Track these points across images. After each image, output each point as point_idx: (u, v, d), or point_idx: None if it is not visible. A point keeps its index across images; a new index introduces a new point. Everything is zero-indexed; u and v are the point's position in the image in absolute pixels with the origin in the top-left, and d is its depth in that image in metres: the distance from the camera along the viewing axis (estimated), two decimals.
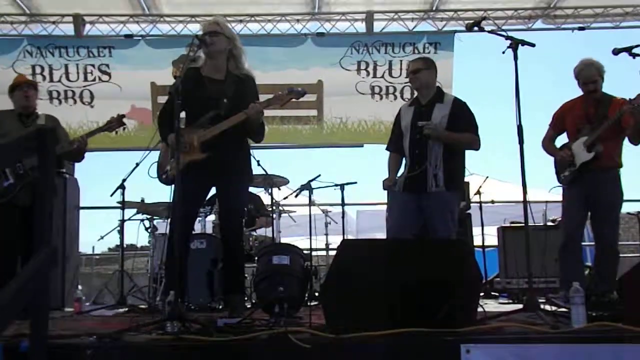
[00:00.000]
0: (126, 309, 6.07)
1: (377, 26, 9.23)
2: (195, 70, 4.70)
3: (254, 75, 4.84)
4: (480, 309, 3.73)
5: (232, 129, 4.48)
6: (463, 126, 5.15)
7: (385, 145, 5.61)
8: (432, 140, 5.08)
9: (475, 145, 5.23)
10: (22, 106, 5.51)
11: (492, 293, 7.44)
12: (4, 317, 2.05)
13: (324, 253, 8.49)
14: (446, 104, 5.20)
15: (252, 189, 7.21)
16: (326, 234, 7.87)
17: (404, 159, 5.34)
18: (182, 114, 4.58)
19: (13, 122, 5.42)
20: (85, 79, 9.11)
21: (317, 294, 5.90)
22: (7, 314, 2.07)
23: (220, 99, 4.57)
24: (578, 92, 5.63)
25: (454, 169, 5.14)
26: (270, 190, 7.18)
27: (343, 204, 7.29)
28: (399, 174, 5.37)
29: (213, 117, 4.53)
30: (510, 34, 4.52)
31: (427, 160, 5.06)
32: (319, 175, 7.05)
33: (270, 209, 7.23)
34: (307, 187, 7.07)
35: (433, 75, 5.32)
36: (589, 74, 5.44)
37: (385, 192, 5.59)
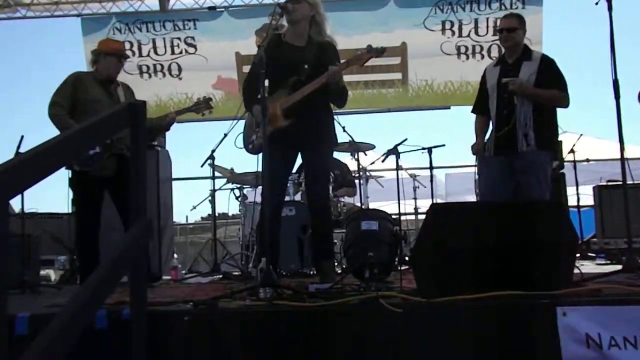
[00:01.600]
0: (220, 276, 6.25)
1: None
2: (278, 36, 4.71)
3: (335, 42, 4.81)
4: (576, 271, 3.63)
5: (314, 95, 4.46)
6: (551, 83, 4.98)
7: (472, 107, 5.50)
8: (519, 98, 4.94)
9: (564, 102, 5.06)
10: (110, 74, 5.39)
11: (589, 254, 7.25)
12: (106, 286, 2.15)
13: (413, 217, 8.46)
14: (534, 62, 5.04)
15: (338, 155, 7.25)
16: (415, 198, 7.85)
17: (491, 121, 5.23)
18: (266, 82, 4.63)
19: (98, 89, 5.30)
20: (173, 52, 9.34)
21: (407, 258, 5.90)
22: (109, 284, 2.16)
23: (301, 65, 4.56)
24: None
25: (545, 127, 4.99)
26: (356, 156, 7.19)
27: (431, 168, 7.21)
28: (487, 137, 5.26)
29: (294, 83, 4.54)
30: None
31: (516, 119, 4.93)
32: (406, 139, 6.96)
33: (356, 175, 7.24)
34: (393, 151, 7.01)
35: (524, 34, 5.18)
36: None
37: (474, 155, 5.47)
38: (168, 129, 5.63)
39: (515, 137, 4.94)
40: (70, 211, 7.53)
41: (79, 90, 5.24)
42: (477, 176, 5.47)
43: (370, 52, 4.47)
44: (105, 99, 5.27)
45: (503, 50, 5.36)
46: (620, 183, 4.36)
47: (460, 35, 9.00)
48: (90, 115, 4.90)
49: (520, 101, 4.94)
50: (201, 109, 5.57)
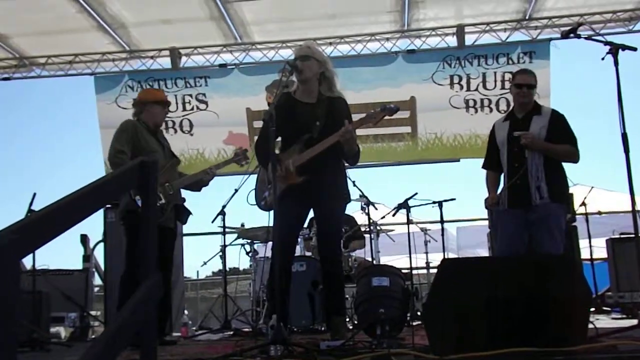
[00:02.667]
0: (231, 333, 6.20)
1: (469, 39, 9.13)
2: (288, 94, 4.77)
3: (345, 97, 4.86)
4: (591, 326, 3.58)
5: (327, 151, 4.50)
6: (561, 138, 5.01)
7: (482, 160, 5.51)
8: (529, 151, 4.96)
9: (574, 157, 5.07)
10: (157, 123, 5.50)
11: (604, 308, 7.15)
12: (117, 344, 2.13)
13: (424, 272, 8.39)
14: (544, 116, 5.07)
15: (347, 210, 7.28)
16: (426, 252, 7.79)
17: (501, 176, 5.24)
18: (278, 139, 4.68)
19: (152, 138, 5.38)
20: (184, 109, 9.47)
21: (419, 313, 5.85)
22: (120, 342, 2.15)
23: (313, 122, 4.61)
24: None
25: (557, 180, 5.00)
26: (367, 210, 7.18)
27: (442, 221, 7.20)
28: (499, 190, 5.25)
29: (306, 140, 4.58)
30: (609, 38, 4.41)
31: (528, 172, 4.94)
32: (416, 194, 7.00)
33: (367, 230, 7.23)
34: (404, 205, 7.02)
35: (535, 91, 5.23)
36: None
37: (486, 209, 5.46)
38: (207, 184, 5.61)
39: (528, 190, 4.94)
40: (81, 268, 7.58)
41: (138, 138, 5.29)
42: (489, 229, 5.42)
43: (384, 111, 4.49)
44: (160, 149, 5.36)
45: (512, 104, 5.39)
46: (633, 235, 4.32)
47: (468, 89, 9.07)
48: None
49: (531, 154, 4.96)
50: (240, 159, 5.66)
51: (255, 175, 5.13)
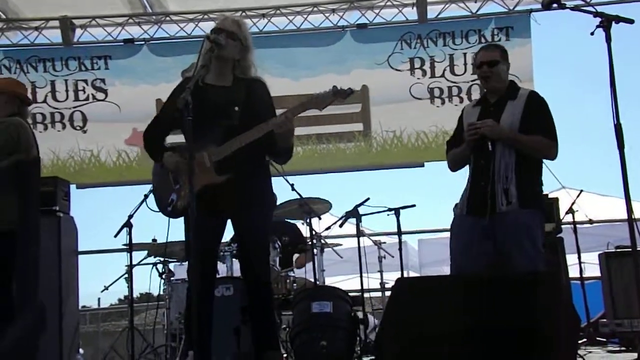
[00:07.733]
0: None
1: (432, 11, 9.21)
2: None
3: (265, 81, 4.80)
4: None
5: (249, 146, 4.43)
6: (536, 126, 4.92)
7: None
8: (498, 145, 4.89)
9: (550, 152, 4.98)
10: None
11: (598, 339, 7.22)
12: None
13: (379, 294, 8.41)
14: (519, 100, 5.03)
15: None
16: (380, 271, 7.78)
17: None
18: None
19: None
20: (76, 98, 9.27)
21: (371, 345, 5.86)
22: None
23: (230, 107, 4.54)
24: None
25: (529, 181, 4.91)
26: (308, 220, 7.11)
27: (400, 233, 7.20)
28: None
29: (226, 129, 4.50)
30: (601, 8, 4.46)
31: (495, 171, 4.90)
32: (368, 199, 6.96)
33: (309, 243, 7.19)
34: (354, 213, 6.99)
35: (507, 69, 5.22)
36: None
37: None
38: None
39: (493, 194, 4.90)
40: None
41: None
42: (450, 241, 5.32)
43: (337, 94, 4.44)
44: None
45: (484, 89, 5.40)
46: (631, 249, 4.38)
47: (433, 76, 9.12)
48: None
49: (501, 149, 4.90)
50: None
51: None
